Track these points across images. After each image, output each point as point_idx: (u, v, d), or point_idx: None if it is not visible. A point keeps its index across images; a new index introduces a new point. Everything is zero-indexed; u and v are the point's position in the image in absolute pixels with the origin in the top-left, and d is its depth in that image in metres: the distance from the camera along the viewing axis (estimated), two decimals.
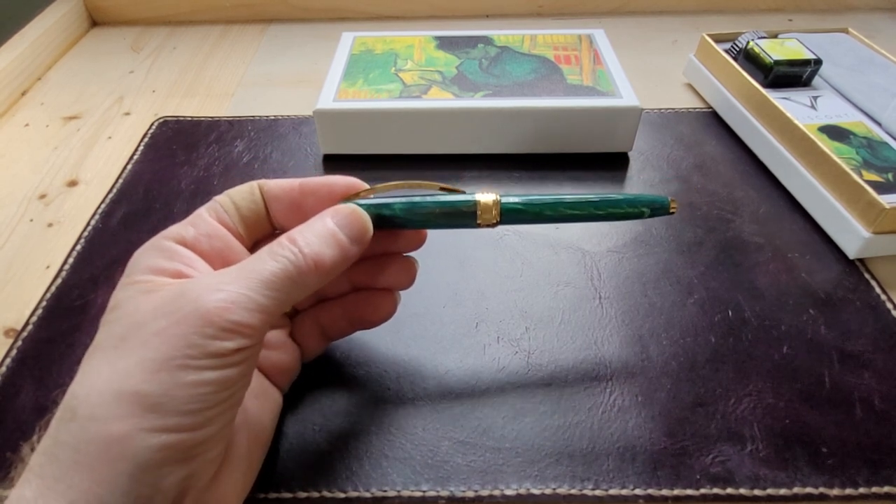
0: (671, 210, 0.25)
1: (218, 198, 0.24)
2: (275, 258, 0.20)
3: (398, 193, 0.24)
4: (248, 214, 0.24)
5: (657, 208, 0.25)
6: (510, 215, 0.24)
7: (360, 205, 0.23)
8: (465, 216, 0.24)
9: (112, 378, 0.18)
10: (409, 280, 0.26)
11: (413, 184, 0.24)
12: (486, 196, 0.24)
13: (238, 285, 0.19)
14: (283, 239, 0.21)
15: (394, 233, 0.26)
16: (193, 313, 0.18)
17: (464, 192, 0.24)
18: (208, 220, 0.23)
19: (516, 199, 0.24)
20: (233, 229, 0.23)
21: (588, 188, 0.39)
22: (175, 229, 0.22)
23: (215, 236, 0.23)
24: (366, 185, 0.24)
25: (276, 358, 0.25)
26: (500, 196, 0.24)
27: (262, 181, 0.24)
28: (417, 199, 0.24)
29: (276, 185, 0.24)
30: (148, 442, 0.17)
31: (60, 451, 0.18)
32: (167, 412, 0.18)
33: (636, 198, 0.25)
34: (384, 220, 0.24)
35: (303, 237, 0.21)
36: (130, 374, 0.18)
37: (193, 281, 0.20)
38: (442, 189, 0.25)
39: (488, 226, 0.24)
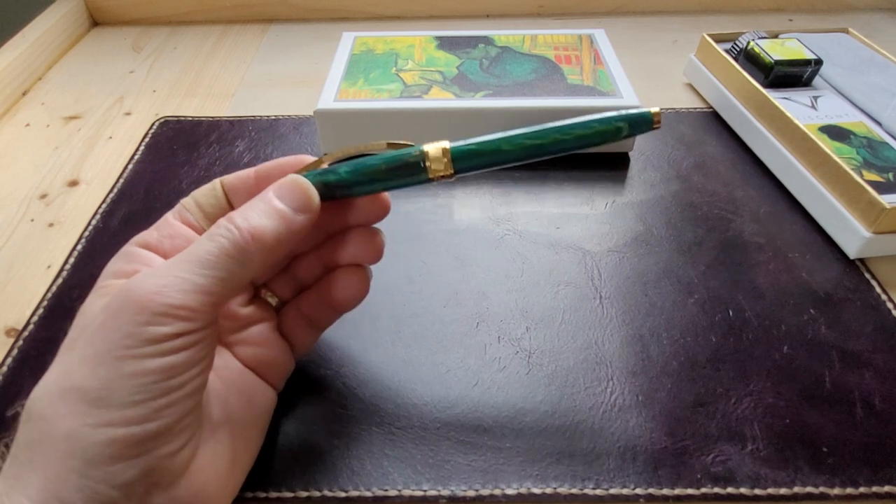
0: (654, 124, 0.21)
1: (183, 200, 0.24)
2: (211, 238, 0.20)
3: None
4: (211, 211, 0.24)
5: (636, 123, 0.21)
6: (465, 161, 0.22)
7: (307, 175, 0.23)
8: (413, 169, 0.22)
9: (59, 377, 0.19)
10: (373, 251, 0.26)
11: (361, 146, 0.24)
12: (433, 144, 0.22)
13: (171, 269, 0.20)
14: (221, 220, 0.21)
15: (349, 202, 0.25)
16: (126, 302, 0.19)
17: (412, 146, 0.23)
18: (172, 222, 0.24)
19: (467, 141, 0.22)
20: (198, 228, 0.24)
21: (588, 188, 0.39)
22: (140, 235, 0.23)
23: (178, 236, 0.23)
24: (314, 158, 0.24)
25: (262, 353, 0.25)
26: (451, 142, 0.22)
27: (224, 177, 0.25)
28: (362, 159, 0.23)
29: (235, 176, 0.25)
30: (94, 437, 0.17)
31: (19, 451, 0.18)
32: (111, 406, 0.18)
33: (608, 115, 0.21)
34: (334, 188, 0.23)
35: (240, 214, 0.21)
36: (73, 371, 0.18)
37: (135, 275, 0.20)
38: (390, 146, 0.23)
39: (443, 178, 0.22)
